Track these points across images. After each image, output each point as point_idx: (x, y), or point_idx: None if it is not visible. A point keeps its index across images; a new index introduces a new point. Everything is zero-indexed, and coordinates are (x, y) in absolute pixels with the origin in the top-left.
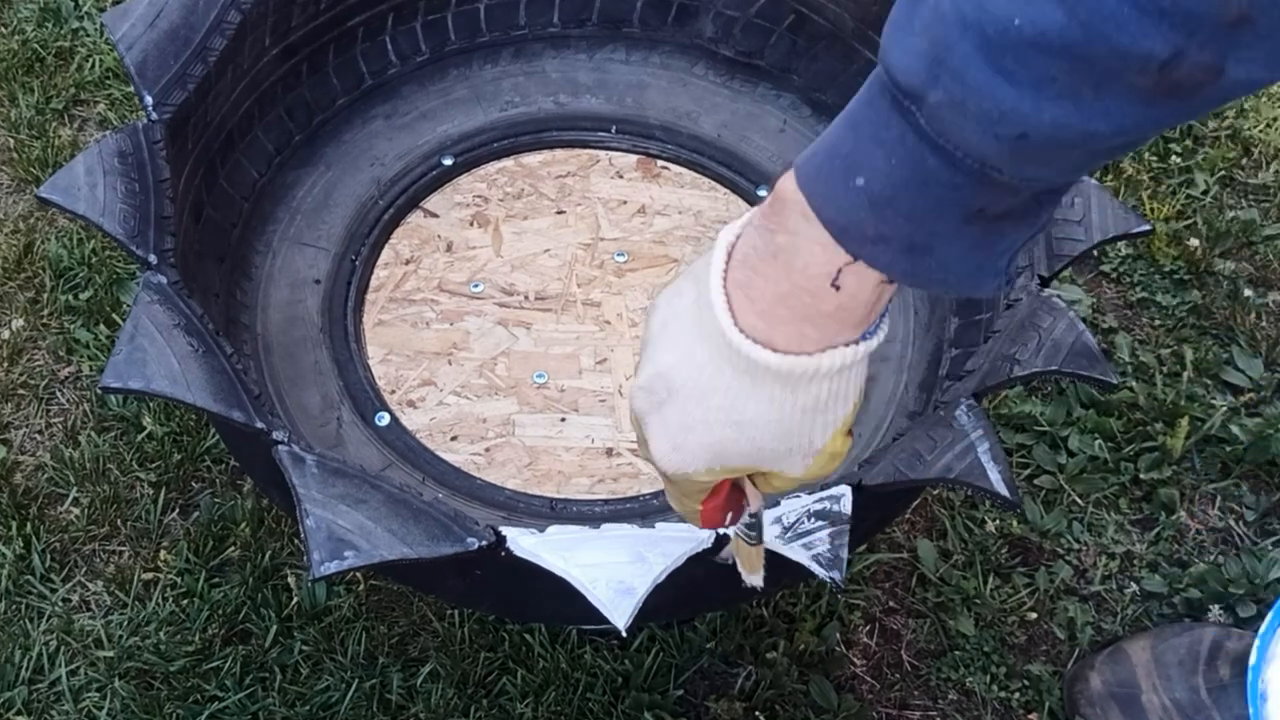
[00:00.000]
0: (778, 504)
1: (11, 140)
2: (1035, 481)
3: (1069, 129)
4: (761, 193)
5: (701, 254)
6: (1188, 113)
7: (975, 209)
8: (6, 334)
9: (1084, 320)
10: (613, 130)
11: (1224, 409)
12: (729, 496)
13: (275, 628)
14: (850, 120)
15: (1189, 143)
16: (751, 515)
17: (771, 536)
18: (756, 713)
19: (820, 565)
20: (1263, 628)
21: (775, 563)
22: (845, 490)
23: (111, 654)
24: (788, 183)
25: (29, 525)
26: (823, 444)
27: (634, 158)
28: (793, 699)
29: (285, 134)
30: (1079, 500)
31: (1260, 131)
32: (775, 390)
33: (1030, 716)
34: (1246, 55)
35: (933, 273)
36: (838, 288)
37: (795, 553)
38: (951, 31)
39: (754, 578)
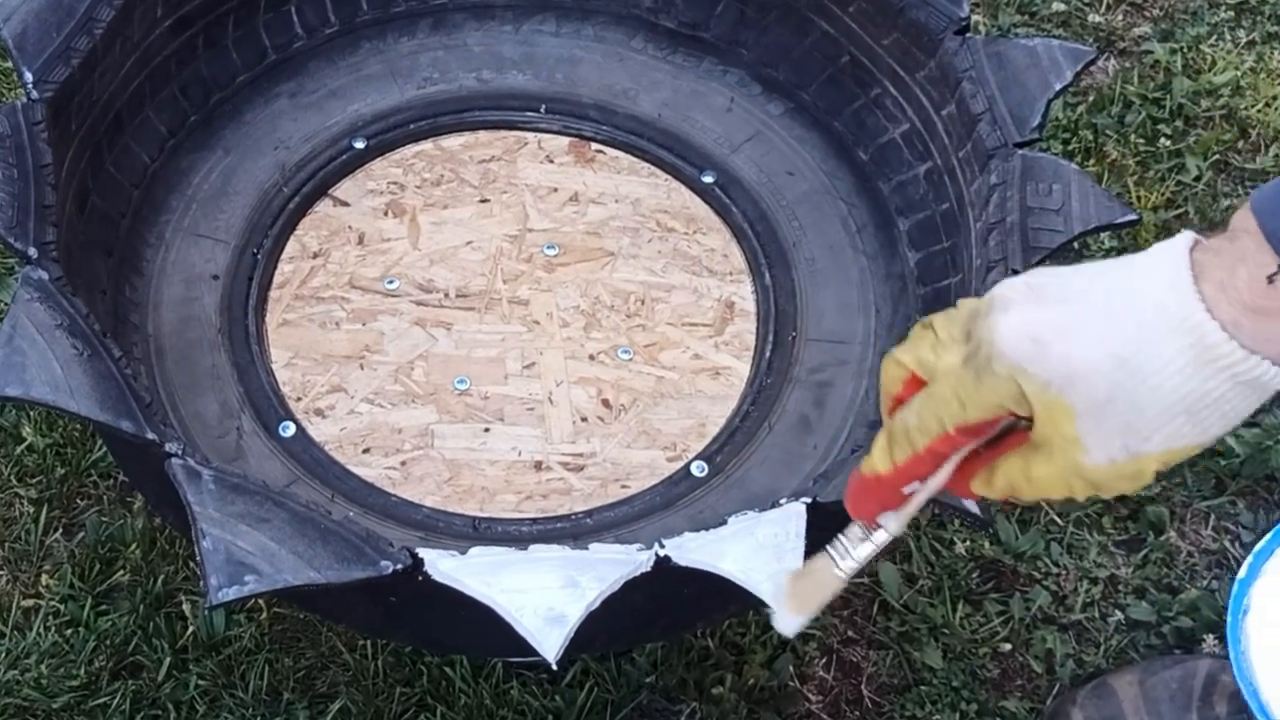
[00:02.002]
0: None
1: None
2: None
3: None
4: (706, 178)
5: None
6: None
7: None
8: None
9: None
10: (542, 110)
11: None
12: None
13: (169, 660)
14: None
15: (1179, 124)
16: (885, 532)
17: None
18: None
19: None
20: (1259, 545)
21: (722, 587)
22: (799, 508)
23: None
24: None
25: None
26: (1150, 450)
27: (565, 140)
28: None
29: (179, 114)
30: (1058, 519)
31: (1258, 111)
32: (1184, 357)
33: None
34: None
35: None
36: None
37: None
38: None
39: (796, 620)
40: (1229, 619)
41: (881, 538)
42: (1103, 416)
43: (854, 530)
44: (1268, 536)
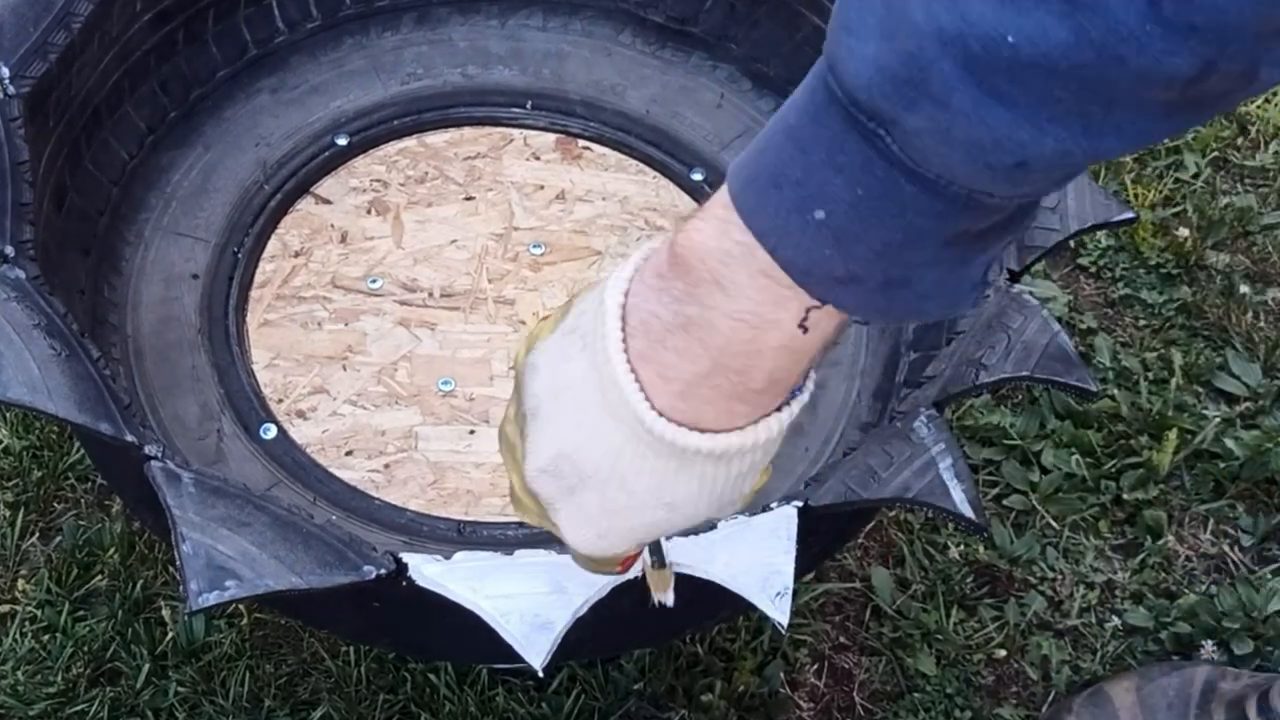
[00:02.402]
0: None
1: None
2: (1004, 502)
3: (1074, 151)
4: (696, 176)
5: (578, 301)
6: (1207, 117)
7: (957, 231)
8: None
9: (1059, 320)
10: (528, 106)
11: (1217, 420)
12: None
13: (147, 667)
14: (793, 137)
15: None
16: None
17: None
18: None
19: None
20: None
21: (713, 593)
22: (790, 512)
23: None
24: (689, 242)
25: None
26: (750, 489)
27: (552, 137)
28: None
29: (159, 110)
30: (1054, 523)
31: (1258, 108)
32: (707, 469)
33: None
34: None
35: (909, 304)
36: (805, 329)
37: None
38: (927, 46)
39: (665, 596)
40: None
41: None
42: (698, 521)
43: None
44: None
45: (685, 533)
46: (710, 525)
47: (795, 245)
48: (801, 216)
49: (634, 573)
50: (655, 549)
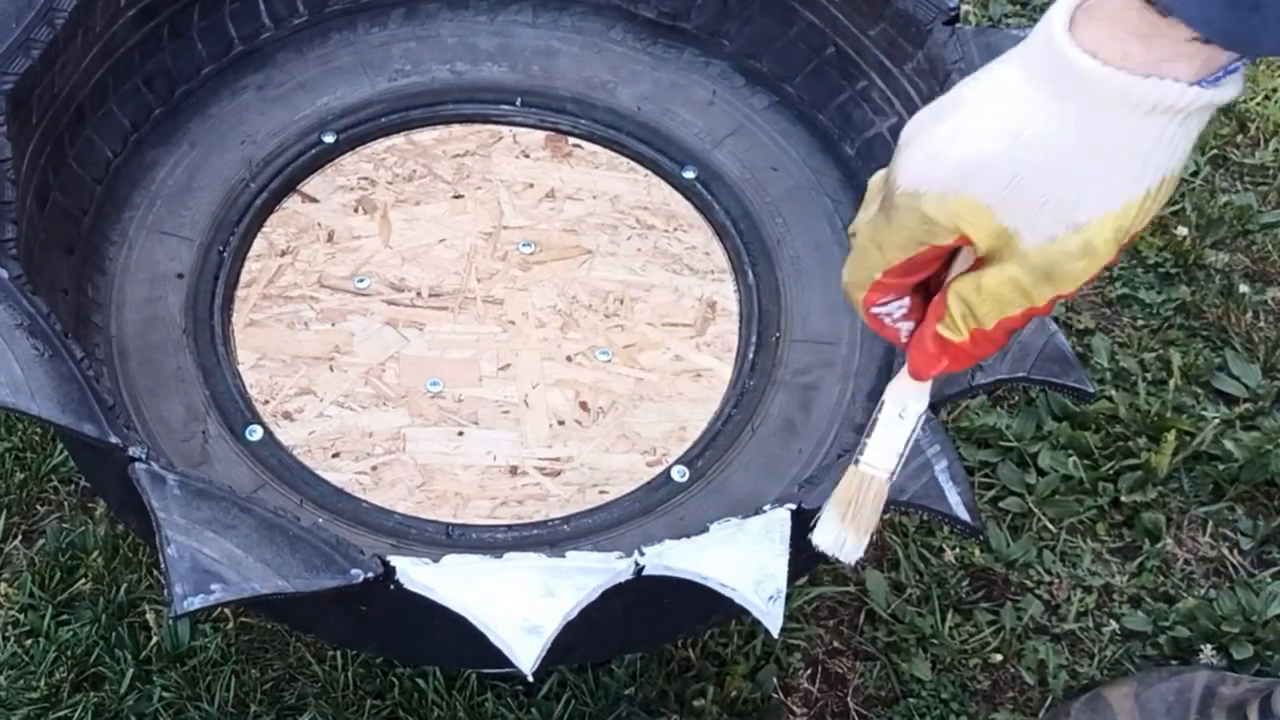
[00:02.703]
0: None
1: None
2: (1000, 504)
3: None
4: (687, 174)
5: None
6: None
7: None
8: None
9: (1056, 320)
10: (517, 103)
11: (1216, 422)
12: (912, 298)
13: (132, 671)
14: None
15: None
16: (901, 415)
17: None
18: None
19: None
20: None
21: (704, 596)
22: (783, 514)
23: None
24: None
25: None
26: (1087, 219)
27: (542, 134)
28: None
29: (143, 107)
30: (1050, 526)
31: (1257, 105)
32: (1076, 107)
33: None
34: None
35: (1254, 31)
36: None
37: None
38: None
39: (857, 544)
40: None
41: (912, 419)
42: (1019, 197)
43: (877, 427)
44: None
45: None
46: (1078, 286)
47: None
48: None
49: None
50: (896, 438)
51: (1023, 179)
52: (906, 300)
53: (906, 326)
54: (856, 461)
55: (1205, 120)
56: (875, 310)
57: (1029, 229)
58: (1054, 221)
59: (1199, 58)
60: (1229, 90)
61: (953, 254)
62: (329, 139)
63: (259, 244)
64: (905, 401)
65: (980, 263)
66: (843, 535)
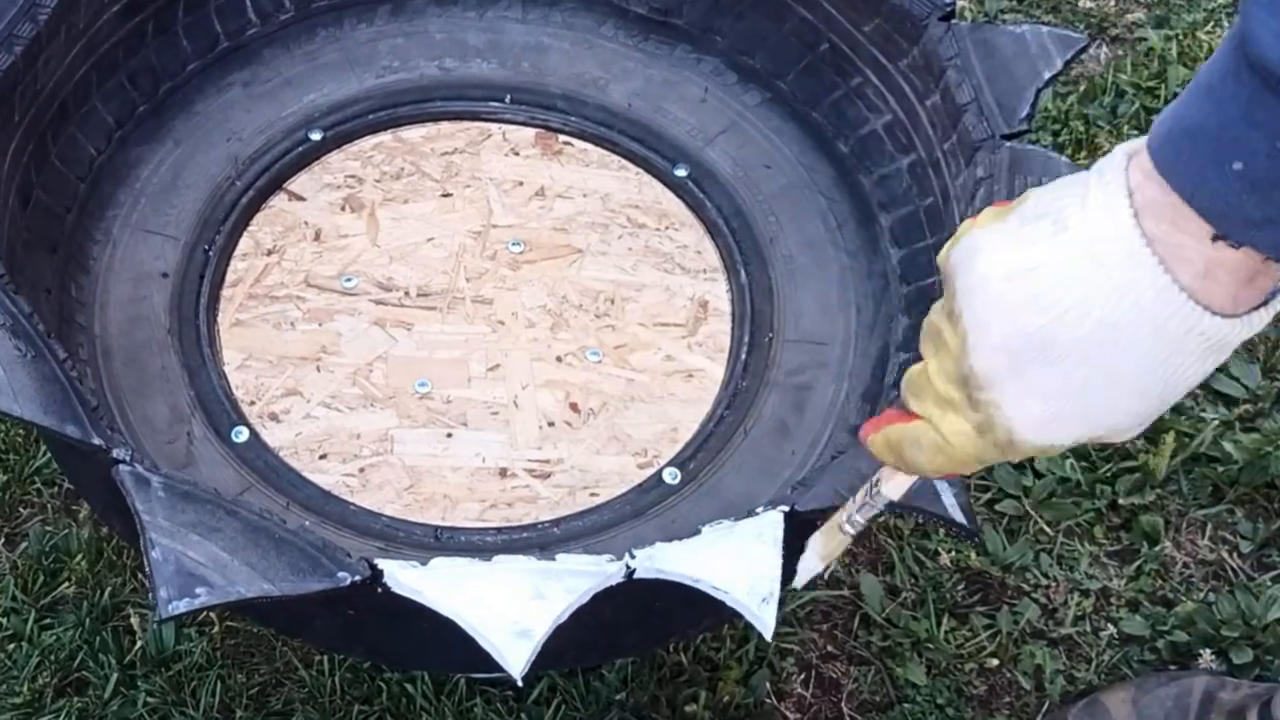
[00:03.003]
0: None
1: None
2: (996, 507)
3: None
4: (679, 172)
5: (1036, 195)
6: None
7: None
8: None
9: None
10: (507, 100)
11: (1215, 423)
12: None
13: (116, 676)
14: (1211, 96)
15: None
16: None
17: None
18: None
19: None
20: None
21: (697, 600)
22: (776, 517)
23: None
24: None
25: None
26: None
27: (531, 132)
28: None
29: (128, 104)
30: (1047, 529)
31: None
32: (1199, 352)
33: None
34: None
35: None
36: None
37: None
38: None
39: (819, 565)
40: None
41: (879, 500)
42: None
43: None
44: None
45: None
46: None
47: (1213, 193)
48: (1218, 167)
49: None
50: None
51: (1149, 415)
52: None
53: None
54: (842, 528)
55: None
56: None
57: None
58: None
59: (1261, 286)
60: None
61: None
62: (316, 136)
63: (245, 243)
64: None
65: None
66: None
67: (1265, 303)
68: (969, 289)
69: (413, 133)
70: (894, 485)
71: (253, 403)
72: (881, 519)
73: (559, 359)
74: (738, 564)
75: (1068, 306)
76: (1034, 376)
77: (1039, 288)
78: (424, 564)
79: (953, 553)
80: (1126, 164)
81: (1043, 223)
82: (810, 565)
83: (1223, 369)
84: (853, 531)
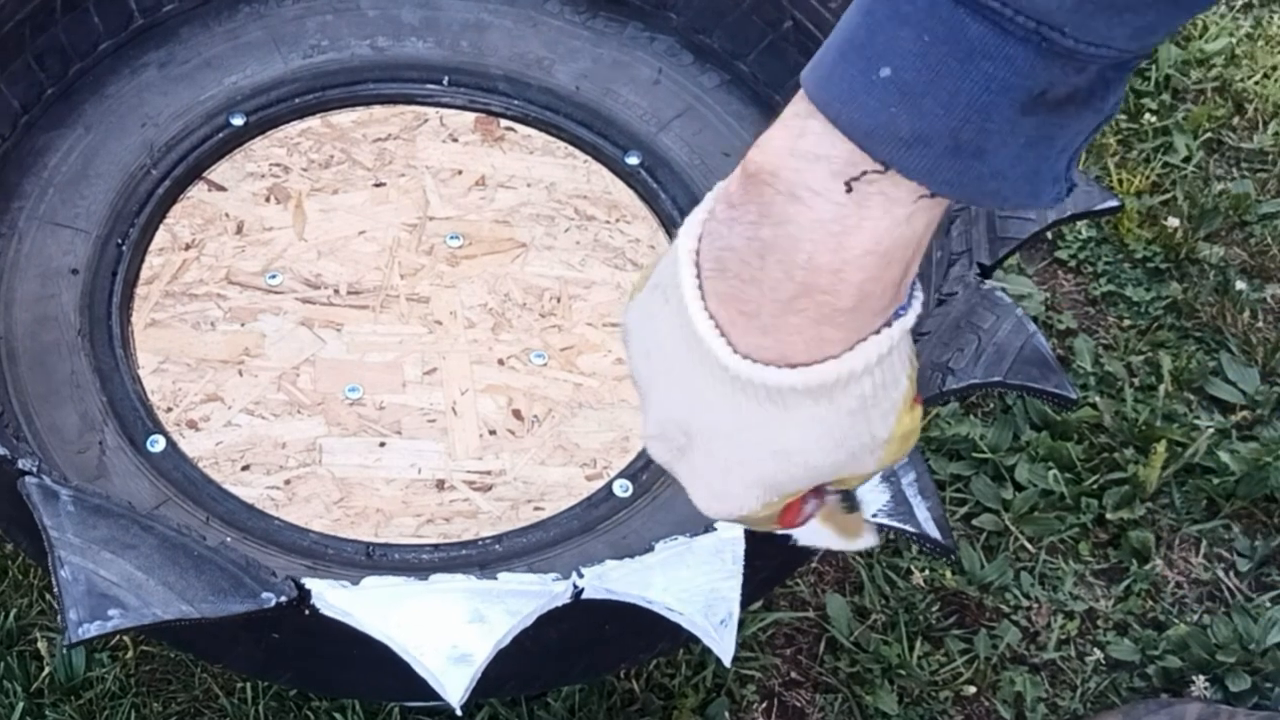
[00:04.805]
0: None
1: None
2: (974, 522)
3: None
4: (631, 159)
5: (664, 254)
6: None
7: (1034, 93)
8: None
9: (1035, 320)
10: (445, 82)
11: (1210, 431)
12: (804, 497)
13: (22, 705)
14: (861, 6)
15: (1166, 97)
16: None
17: (868, 496)
18: None
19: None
20: None
21: (650, 622)
22: (737, 533)
23: None
24: (761, 155)
25: None
26: (887, 433)
27: (471, 116)
28: None
29: (34, 87)
30: (1029, 545)
31: (1255, 83)
32: (809, 407)
33: None
34: None
35: (984, 180)
36: (860, 209)
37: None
38: None
39: (863, 540)
40: None
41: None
42: (827, 474)
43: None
44: None
45: (832, 484)
46: (872, 475)
47: (860, 106)
48: (866, 77)
49: (807, 530)
50: (848, 495)
51: (817, 465)
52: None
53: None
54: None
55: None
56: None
57: (855, 469)
58: (869, 454)
59: (884, 304)
60: (916, 308)
61: None
62: (238, 121)
63: (161, 236)
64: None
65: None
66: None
67: (881, 329)
68: (632, 374)
69: (343, 117)
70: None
71: (169, 409)
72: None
73: (501, 362)
74: (694, 583)
75: (682, 388)
76: (692, 461)
77: (661, 373)
78: (355, 584)
79: (926, 571)
80: (703, 216)
81: (656, 293)
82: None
83: (1218, 373)
84: (839, 510)
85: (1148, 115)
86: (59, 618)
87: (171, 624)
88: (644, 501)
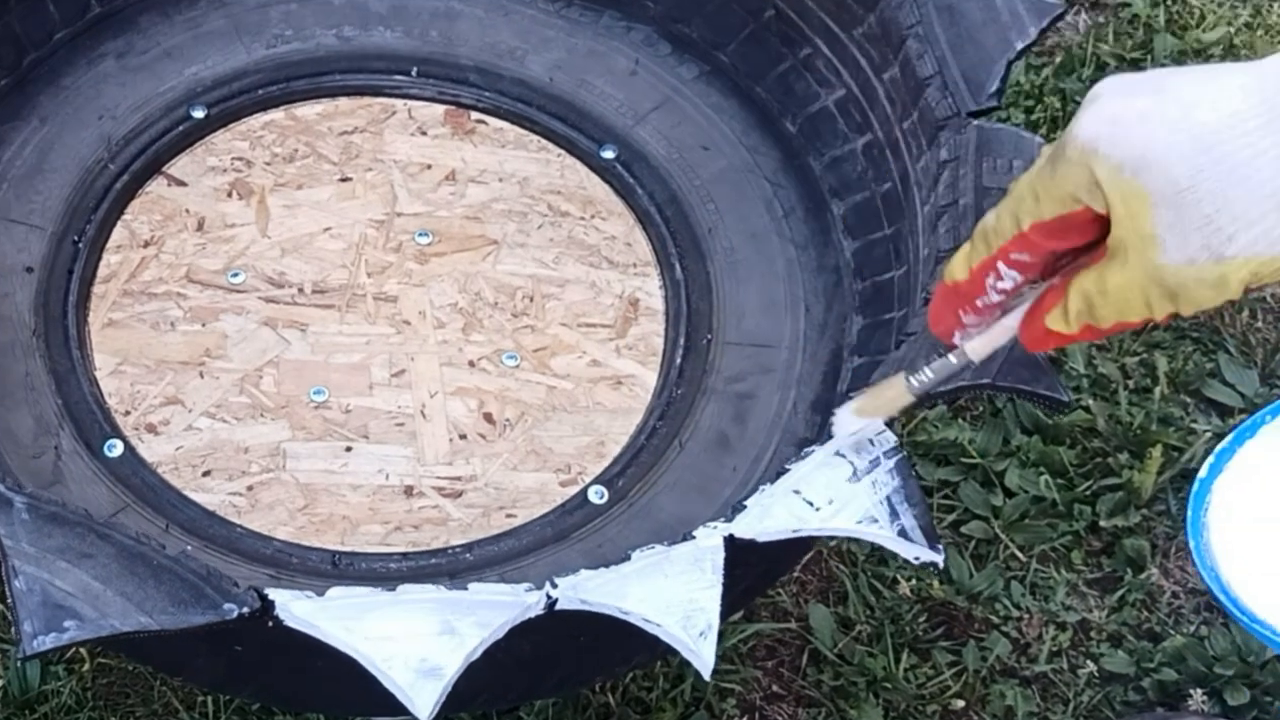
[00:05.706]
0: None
1: None
2: (963, 529)
3: None
4: (606, 153)
5: None
6: None
7: None
8: None
9: None
10: (413, 73)
11: (1208, 435)
12: (1024, 276)
13: None
14: None
15: None
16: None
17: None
18: None
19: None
20: (1222, 444)
21: (626, 634)
22: (716, 541)
23: None
24: None
25: None
26: (1234, 254)
27: (441, 109)
28: None
29: None
30: (1019, 554)
31: None
32: None
33: None
34: None
35: None
36: None
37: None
38: None
39: (856, 420)
40: (1189, 513)
41: (960, 356)
42: (1182, 207)
43: (933, 357)
44: (1229, 436)
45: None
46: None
47: None
48: None
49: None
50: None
51: (1196, 191)
52: (1019, 277)
53: (994, 300)
54: (906, 376)
55: None
56: (1000, 268)
57: (1175, 244)
58: (1201, 246)
59: None
60: None
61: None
62: (199, 114)
63: (119, 233)
64: (967, 345)
65: (1102, 250)
66: (848, 408)
67: None
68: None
69: (307, 110)
70: (978, 345)
71: (128, 413)
72: (952, 390)
73: (472, 364)
74: (672, 593)
75: (1196, 87)
76: (1135, 101)
77: (1165, 89)
78: (320, 594)
79: (913, 581)
80: None
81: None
82: (847, 421)
83: (1216, 375)
84: (918, 389)
85: None
86: (13, 630)
87: (130, 636)
88: (620, 508)
